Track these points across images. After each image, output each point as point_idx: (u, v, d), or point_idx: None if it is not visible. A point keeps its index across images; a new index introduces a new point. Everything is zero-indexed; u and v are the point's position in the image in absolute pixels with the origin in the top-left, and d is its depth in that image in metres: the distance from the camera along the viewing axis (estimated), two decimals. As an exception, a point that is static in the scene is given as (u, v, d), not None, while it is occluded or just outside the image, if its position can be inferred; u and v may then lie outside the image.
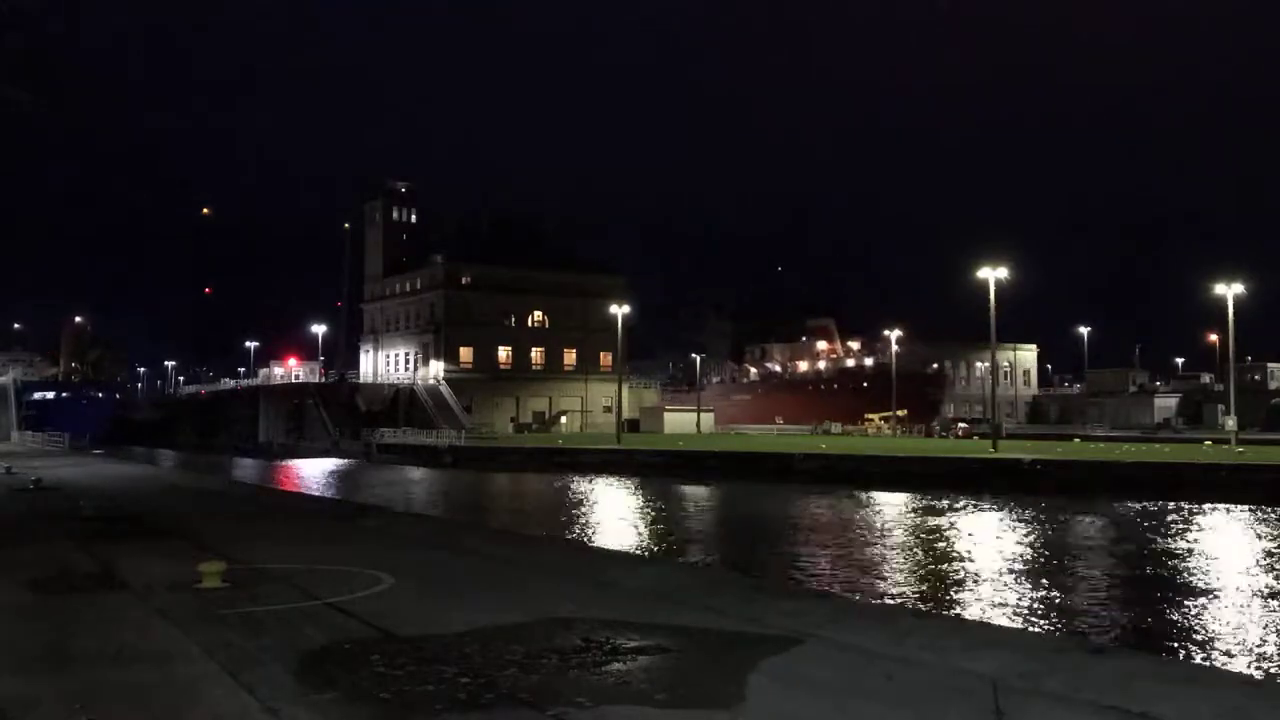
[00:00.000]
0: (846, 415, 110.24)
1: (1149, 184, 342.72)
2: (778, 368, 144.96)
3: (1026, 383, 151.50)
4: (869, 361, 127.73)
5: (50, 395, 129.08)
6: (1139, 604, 22.40)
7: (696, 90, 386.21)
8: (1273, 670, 16.18)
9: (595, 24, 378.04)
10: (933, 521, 38.13)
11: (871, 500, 46.65)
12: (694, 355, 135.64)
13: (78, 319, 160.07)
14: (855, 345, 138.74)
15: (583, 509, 45.51)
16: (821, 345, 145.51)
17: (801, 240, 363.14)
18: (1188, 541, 32.40)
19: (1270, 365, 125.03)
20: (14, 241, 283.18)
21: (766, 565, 28.52)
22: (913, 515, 40.77)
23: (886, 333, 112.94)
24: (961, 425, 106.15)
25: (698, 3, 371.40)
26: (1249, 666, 16.30)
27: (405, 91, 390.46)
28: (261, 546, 14.59)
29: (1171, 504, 42.32)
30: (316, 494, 49.24)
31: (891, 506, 44.07)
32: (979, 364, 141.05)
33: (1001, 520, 38.25)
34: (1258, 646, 17.77)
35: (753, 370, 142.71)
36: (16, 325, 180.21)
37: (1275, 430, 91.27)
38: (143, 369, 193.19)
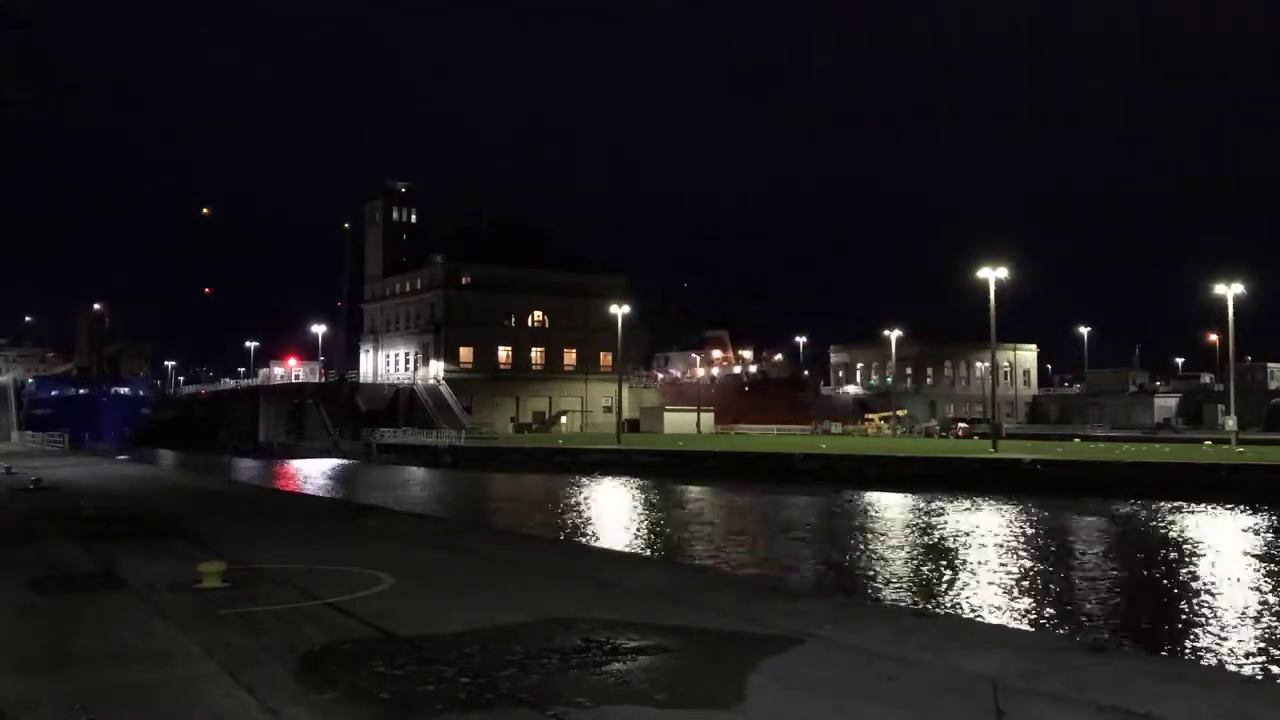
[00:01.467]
0: (731, 416, 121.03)
1: (1149, 184, 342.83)
2: (677, 373, 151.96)
3: (1026, 383, 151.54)
4: (753, 369, 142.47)
5: (65, 393, 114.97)
6: (1139, 604, 22.42)
7: (695, 90, 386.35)
8: (1272, 670, 16.17)
9: (591, 24, 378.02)
10: (933, 522, 38.12)
11: (871, 500, 46.64)
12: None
13: (95, 306, 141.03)
14: (747, 354, 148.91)
15: (583, 509, 45.50)
16: (716, 354, 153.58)
17: (800, 239, 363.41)
18: (1187, 541, 32.40)
19: (1270, 365, 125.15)
20: (13, 241, 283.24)
21: (766, 565, 28.51)
22: (913, 515, 40.76)
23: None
24: (961, 425, 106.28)
25: (698, 4, 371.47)
26: (1249, 666, 16.30)
27: (405, 91, 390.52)
28: (261, 546, 14.59)
29: (1172, 504, 42.32)
30: (316, 494, 49.24)
31: (892, 507, 44.07)
32: (979, 364, 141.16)
33: (1001, 520, 38.24)
34: (1258, 646, 17.77)
35: (659, 375, 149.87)
36: (28, 318, 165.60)
37: (1275, 430, 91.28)
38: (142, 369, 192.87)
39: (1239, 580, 25.11)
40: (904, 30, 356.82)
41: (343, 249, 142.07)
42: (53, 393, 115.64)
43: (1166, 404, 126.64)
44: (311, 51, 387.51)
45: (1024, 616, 20.53)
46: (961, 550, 30.37)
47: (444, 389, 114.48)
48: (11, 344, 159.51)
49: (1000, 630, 11.60)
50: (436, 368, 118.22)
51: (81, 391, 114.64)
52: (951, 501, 44.48)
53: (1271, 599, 22.46)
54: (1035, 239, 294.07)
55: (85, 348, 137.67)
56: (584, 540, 33.26)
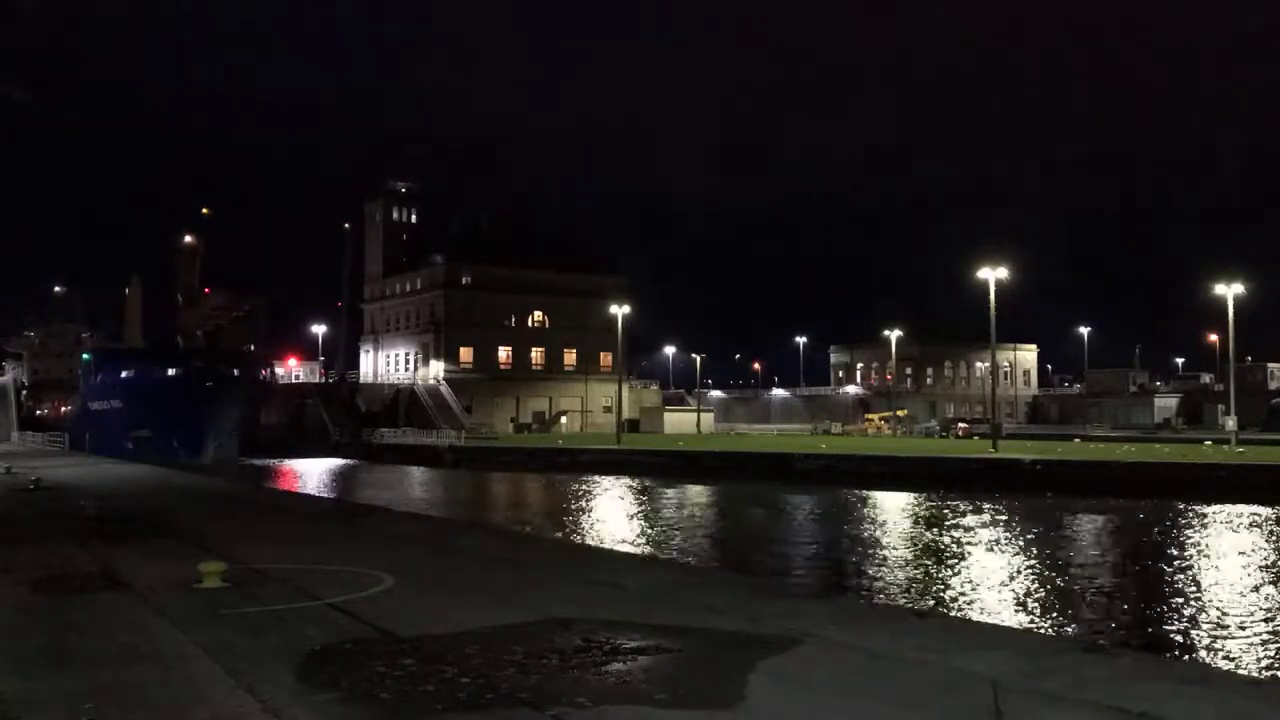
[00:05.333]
0: None
1: (1150, 183, 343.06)
2: None
3: (1026, 383, 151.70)
4: None
5: (144, 376, 74.79)
6: (1139, 604, 22.41)
7: (688, 89, 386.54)
8: (1273, 670, 16.17)
9: (588, 23, 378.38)
10: (932, 522, 38.12)
11: (871, 500, 46.64)
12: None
13: (188, 239, 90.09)
14: None
15: (583, 509, 45.51)
16: None
17: (802, 238, 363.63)
18: (1187, 541, 32.40)
19: (1270, 365, 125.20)
20: (8, 239, 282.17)
21: (766, 565, 28.52)
22: (913, 516, 40.77)
23: (888, 333, 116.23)
24: (961, 425, 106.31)
25: (692, 4, 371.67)
26: (1249, 666, 16.30)
27: (403, 92, 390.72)
28: (262, 547, 14.59)
29: (1171, 504, 42.31)
30: (316, 494, 49.24)
31: (892, 507, 44.06)
32: (979, 364, 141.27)
33: (1002, 520, 38.23)
34: (1258, 646, 17.78)
35: None
36: (57, 288, 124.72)
37: (1275, 430, 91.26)
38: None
39: (1239, 580, 25.11)
40: (904, 29, 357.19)
41: (343, 249, 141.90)
42: (123, 375, 76.65)
43: (1166, 404, 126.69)
44: (311, 51, 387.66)
45: (1024, 616, 20.53)
46: (961, 550, 30.37)
47: (444, 389, 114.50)
48: (36, 321, 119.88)
49: (1000, 630, 11.60)
50: (436, 368, 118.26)
51: (172, 373, 74.61)
52: (951, 501, 44.47)
53: (1271, 599, 22.46)
54: (1036, 239, 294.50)
55: (137, 318, 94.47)
56: (584, 540, 33.27)
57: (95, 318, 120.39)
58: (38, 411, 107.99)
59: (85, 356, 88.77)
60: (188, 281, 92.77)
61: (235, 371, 76.75)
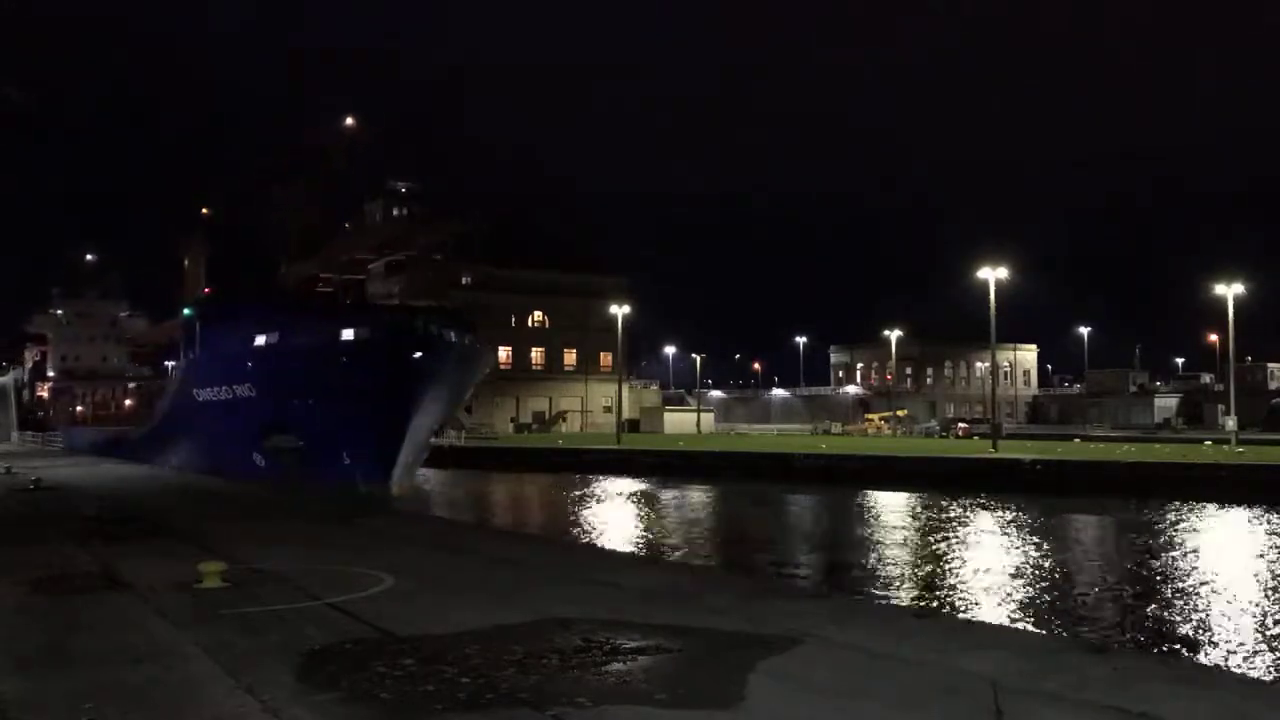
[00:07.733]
0: None
1: (1150, 182, 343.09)
2: None
3: (1026, 383, 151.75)
4: None
5: (296, 337, 44.97)
6: (1139, 604, 22.40)
7: (688, 89, 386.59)
8: (1273, 670, 16.17)
9: (588, 23, 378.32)
10: (933, 522, 38.11)
11: (871, 500, 46.62)
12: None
13: (350, 121, 61.10)
14: None
15: (583, 509, 45.49)
16: None
17: (804, 239, 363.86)
18: (1187, 542, 32.39)
19: (1270, 365, 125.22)
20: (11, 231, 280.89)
21: (765, 566, 28.51)
22: (913, 516, 40.76)
23: (886, 333, 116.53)
24: (961, 425, 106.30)
25: (692, 4, 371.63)
26: (1249, 666, 16.30)
27: (402, 92, 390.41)
28: (261, 547, 14.59)
29: (1171, 504, 42.30)
30: (316, 494, 49.14)
31: (892, 507, 44.06)
32: (979, 364, 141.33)
33: (1001, 521, 38.22)
34: (1258, 646, 17.77)
35: None
36: (90, 256, 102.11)
37: (1275, 430, 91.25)
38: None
39: (1238, 580, 25.10)
40: (904, 29, 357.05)
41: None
42: (260, 341, 46.02)
43: (1166, 404, 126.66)
44: (311, 52, 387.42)
45: (1024, 616, 20.53)
46: (961, 550, 30.36)
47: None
48: (67, 294, 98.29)
49: (1000, 630, 11.61)
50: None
51: (350, 336, 44.35)
52: (951, 501, 44.43)
53: (1271, 599, 22.46)
54: (1036, 239, 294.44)
55: (200, 285, 63.34)
56: (583, 540, 33.26)
57: (136, 293, 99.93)
58: (76, 408, 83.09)
59: (186, 312, 55.06)
60: (307, 209, 57.98)
61: (452, 335, 46.65)
